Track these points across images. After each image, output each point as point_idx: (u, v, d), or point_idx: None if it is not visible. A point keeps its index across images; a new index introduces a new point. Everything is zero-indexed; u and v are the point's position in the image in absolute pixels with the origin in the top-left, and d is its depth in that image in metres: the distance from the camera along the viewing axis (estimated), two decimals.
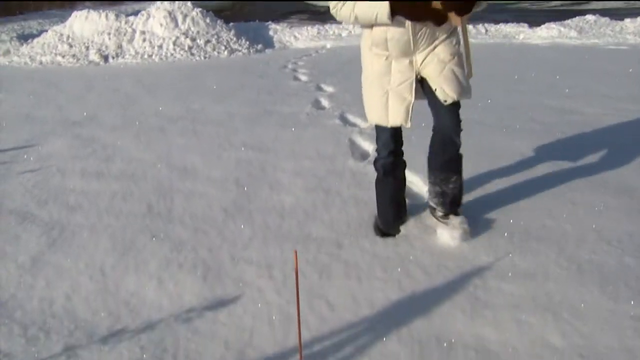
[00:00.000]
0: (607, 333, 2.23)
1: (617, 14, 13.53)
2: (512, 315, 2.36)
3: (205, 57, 11.13)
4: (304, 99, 6.37)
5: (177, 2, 12.05)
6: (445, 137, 2.84)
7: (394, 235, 3.04)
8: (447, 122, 2.80)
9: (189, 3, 12.09)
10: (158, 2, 12.05)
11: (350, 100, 6.08)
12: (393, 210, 3.09)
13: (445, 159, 2.90)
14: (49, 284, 2.73)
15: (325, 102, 6.18)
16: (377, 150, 3.01)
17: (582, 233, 2.99)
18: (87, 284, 2.72)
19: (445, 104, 2.73)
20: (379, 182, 3.10)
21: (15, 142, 5.08)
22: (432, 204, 3.09)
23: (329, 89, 6.75)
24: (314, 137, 4.89)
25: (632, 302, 2.41)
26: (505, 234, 2.97)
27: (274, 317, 2.42)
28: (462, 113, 2.81)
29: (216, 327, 2.37)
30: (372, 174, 3.76)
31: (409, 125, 2.77)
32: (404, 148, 3.01)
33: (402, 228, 3.08)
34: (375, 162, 3.06)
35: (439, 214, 3.06)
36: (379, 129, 2.92)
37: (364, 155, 4.38)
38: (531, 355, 2.12)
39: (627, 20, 12.70)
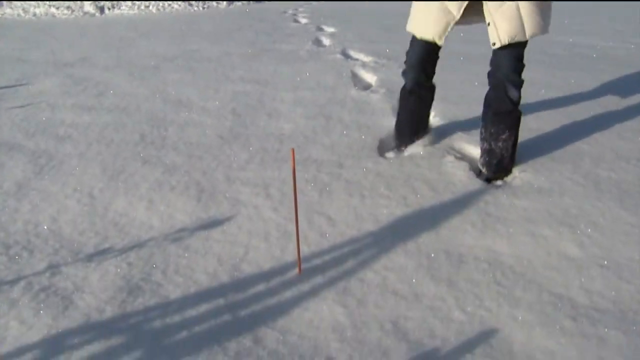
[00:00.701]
0: (628, 245, 2.07)
1: None
2: (526, 228, 2.20)
3: (203, 8, 10.82)
4: (304, 38, 6.12)
5: None
6: (499, 84, 2.50)
7: (404, 148, 2.93)
8: (501, 67, 2.46)
9: None
10: None
11: (352, 38, 5.84)
12: (409, 126, 2.95)
13: (498, 110, 2.53)
14: (35, 208, 2.57)
15: (326, 41, 5.94)
16: (405, 62, 2.77)
17: (600, 152, 2.81)
18: (74, 206, 2.57)
19: (493, 47, 2.40)
20: (402, 94, 2.87)
21: (4, 81, 4.88)
22: (479, 164, 2.71)
23: (330, 29, 6.49)
24: (315, 70, 4.67)
25: None
26: (517, 154, 2.78)
27: (271, 234, 2.26)
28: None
29: (209, 244, 2.22)
30: (374, 102, 3.59)
31: (441, 42, 2.49)
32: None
33: (413, 146, 2.93)
34: (403, 73, 2.82)
35: (483, 177, 2.65)
36: (411, 42, 2.68)
37: (366, 86, 4.18)
38: (547, 267, 1.97)
39: None
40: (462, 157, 2.78)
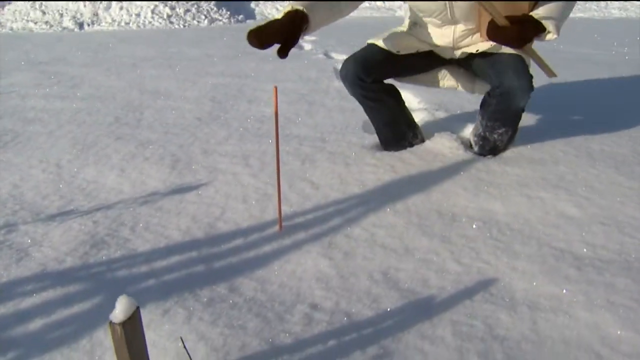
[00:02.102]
0: (627, 206, 1.96)
1: None
2: (520, 191, 2.08)
3: (184, 26, 10.75)
4: None
5: None
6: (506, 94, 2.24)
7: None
8: (507, 74, 2.20)
9: None
10: None
11: (333, 43, 5.79)
12: (391, 131, 2.54)
13: (500, 108, 2.29)
14: None
15: (308, 46, 5.87)
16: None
17: (590, 130, 2.72)
18: (38, 174, 2.39)
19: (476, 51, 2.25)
20: (359, 98, 2.47)
21: None
22: (471, 141, 2.52)
23: (312, 37, 6.43)
24: (297, 67, 4.58)
25: None
26: None
27: (250, 196, 2.11)
28: None
29: (183, 205, 2.06)
30: None
31: (397, 51, 2.31)
32: None
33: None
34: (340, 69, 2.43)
35: (474, 151, 2.49)
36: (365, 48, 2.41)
37: None
38: (546, 225, 1.84)
39: None
40: (452, 133, 2.65)
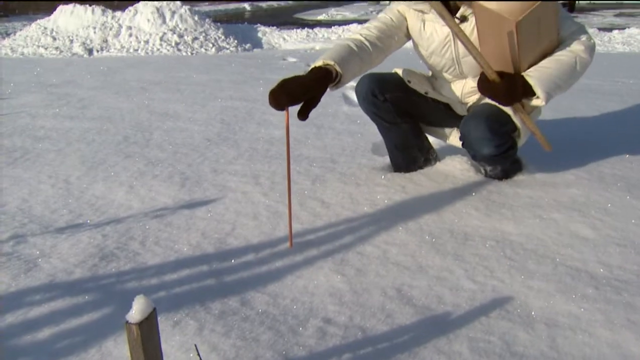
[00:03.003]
0: None
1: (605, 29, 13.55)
2: (533, 212, 2.07)
3: (192, 53, 10.87)
4: (293, 71, 6.06)
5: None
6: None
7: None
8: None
9: (177, 1, 11.88)
10: None
11: None
12: (402, 154, 2.51)
13: (470, 153, 2.28)
14: (3, 191, 2.38)
15: None
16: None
17: (601, 154, 2.71)
18: (47, 189, 2.39)
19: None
20: (374, 118, 2.48)
21: None
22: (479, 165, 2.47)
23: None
24: None
25: None
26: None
27: (260, 213, 2.10)
28: None
29: (193, 221, 2.04)
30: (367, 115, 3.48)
31: (408, 80, 2.33)
32: None
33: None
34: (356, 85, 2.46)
35: (484, 174, 2.43)
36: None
37: (358, 105, 4.08)
38: (560, 245, 1.82)
39: (615, 32, 12.75)
40: (462, 155, 2.64)
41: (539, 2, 1.85)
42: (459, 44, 2.12)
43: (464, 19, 2.09)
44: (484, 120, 2.10)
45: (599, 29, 12.21)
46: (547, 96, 1.91)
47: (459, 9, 2.10)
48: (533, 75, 1.92)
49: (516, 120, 2.13)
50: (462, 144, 2.25)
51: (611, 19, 19.03)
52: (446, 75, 2.31)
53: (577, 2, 24.92)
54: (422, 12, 2.17)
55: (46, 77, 5.84)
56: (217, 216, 2.08)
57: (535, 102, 1.95)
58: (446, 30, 2.13)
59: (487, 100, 2.17)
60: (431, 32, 2.16)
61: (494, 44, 1.96)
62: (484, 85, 1.95)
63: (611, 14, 21.86)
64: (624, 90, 4.68)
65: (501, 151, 2.16)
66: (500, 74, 1.93)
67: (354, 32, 2.24)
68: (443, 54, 2.20)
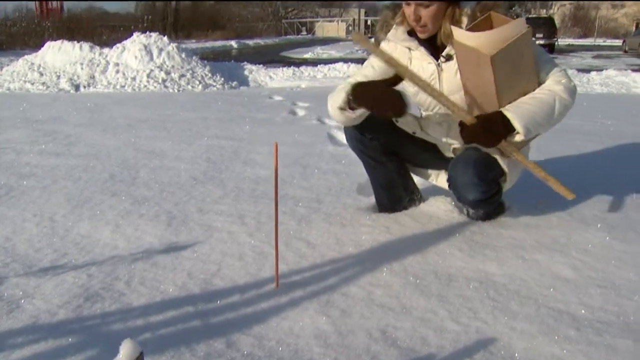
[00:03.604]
0: (622, 269, 1.98)
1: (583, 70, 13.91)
2: (516, 253, 2.10)
3: (178, 90, 10.95)
4: (279, 109, 6.18)
5: (153, 36, 11.97)
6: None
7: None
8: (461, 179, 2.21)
9: (164, 38, 12.02)
10: (134, 36, 11.96)
11: (327, 110, 5.90)
12: (387, 193, 2.55)
13: (457, 197, 2.34)
14: None
15: (301, 112, 5.99)
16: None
17: (580, 197, 2.76)
18: (31, 228, 2.38)
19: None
20: (361, 156, 2.52)
21: None
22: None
23: (305, 104, 6.58)
24: (291, 131, 4.66)
25: None
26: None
27: (246, 254, 2.11)
28: None
29: (179, 261, 2.05)
30: (352, 155, 3.51)
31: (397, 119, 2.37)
32: None
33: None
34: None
35: (467, 214, 2.48)
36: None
37: (343, 145, 4.14)
38: (542, 286, 1.85)
39: (593, 73, 13.07)
40: (446, 196, 2.68)
41: (514, 38, 1.89)
42: (444, 83, 2.18)
43: (449, 57, 2.14)
44: (472, 165, 2.13)
45: (578, 70, 12.55)
46: (526, 130, 1.92)
47: (445, 47, 2.16)
48: (511, 110, 1.94)
49: (504, 165, 2.16)
50: (449, 186, 2.29)
51: (589, 60, 19.57)
52: (433, 115, 2.36)
53: (556, 43, 25.62)
54: (410, 49, 2.22)
55: (32, 113, 5.85)
56: (203, 256, 2.08)
57: (516, 137, 1.96)
58: (432, 68, 2.19)
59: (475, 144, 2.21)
60: (417, 69, 2.22)
61: (474, 81, 2.02)
62: (464, 131, 1.98)
63: (589, 55, 22.49)
64: (602, 131, 4.80)
65: (487, 197, 2.21)
66: (477, 117, 1.96)
67: (352, 77, 2.28)
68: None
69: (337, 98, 2.10)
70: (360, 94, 2.01)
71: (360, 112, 2.11)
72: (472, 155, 2.17)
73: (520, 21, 1.93)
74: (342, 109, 2.10)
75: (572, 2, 51.22)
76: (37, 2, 32.01)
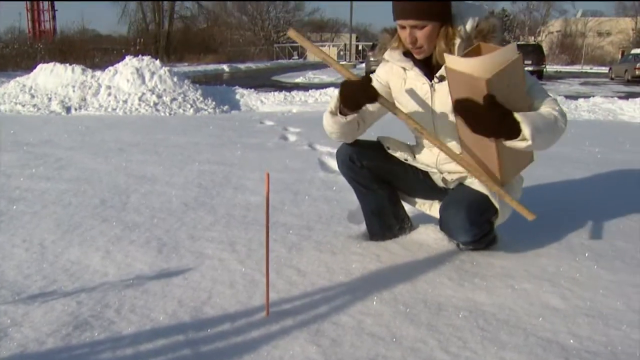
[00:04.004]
0: (610, 298, 2.00)
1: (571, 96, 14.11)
2: (505, 282, 2.12)
3: (170, 114, 10.97)
4: (271, 134, 6.21)
5: (145, 59, 12.03)
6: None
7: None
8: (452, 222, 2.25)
9: (157, 61, 12.08)
10: (126, 59, 12.01)
11: (318, 135, 5.93)
12: (378, 220, 2.56)
13: (447, 236, 2.44)
14: None
15: (292, 138, 6.02)
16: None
17: (568, 225, 2.80)
18: (21, 254, 2.37)
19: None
20: (352, 183, 2.55)
21: None
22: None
23: (296, 129, 6.62)
24: (282, 157, 4.68)
25: (631, 274, 2.21)
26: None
27: (237, 282, 2.11)
28: None
29: (169, 289, 2.04)
30: (342, 182, 3.53)
31: (388, 147, 2.42)
32: None
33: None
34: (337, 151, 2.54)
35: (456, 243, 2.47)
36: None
37: (334, 171, 4.16)
38: (531, 315, 1.87)
39: (581, 100, 13.26)
40: (436, 224, 2.70)
41: (507, 63, 1.87)
42: (436, 103, 2.19)
43: (442, 78, 2.16)
44: (464, 209, 2.14)
45: (566, 96, 12.70)
46: (533, 139, 1.83)
47: (440, 67, 2.17)
48: (520, 115, 1.85)
49: (496, 202, 2.17)
50: (440, 227, 2.34)
51: (577, 87, 19.85)
52: (424, 140, 2.37)
53: (545, 70, 26.00)
54: (405, 69, 2.26)
55: (23, 136, 5.85)
56: (194, 284, 2.08)
57: (520, 143, 1.86)
58: (426, 88, 2.21)
59: (469, 180, 2.23)
60: (411, 88, 2.25)
61: None
62: (466, 102, 1.87)
63: (577, 82, 22.83)
64: (590, 158, 4.86)
65: (478, 238, 2.24)
66: (491, 100, 1.82)
67: None
68: (421, 113, 2.25)
69: (330, 104, 2.19)
70: (342, 87, 2.08)
71: (350, 118, 2.16)
72: (464, 197, 2.17)
73: (511, 47, 1.93)
74: (332, 113, 2.17)
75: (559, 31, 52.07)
76: (29, 23, 32.18)
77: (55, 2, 38.00)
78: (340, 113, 2.16)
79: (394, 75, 2.29)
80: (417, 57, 2.19)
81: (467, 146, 2.15)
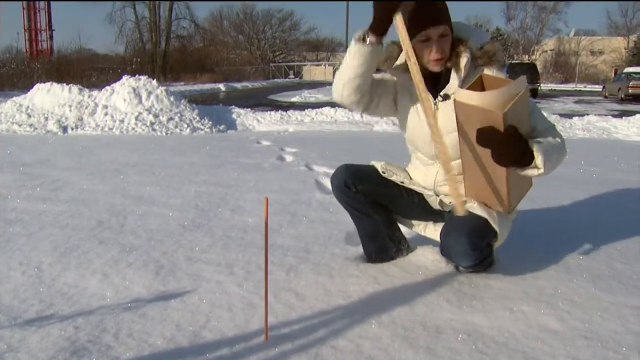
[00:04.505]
0: (608, 320, 2.00)
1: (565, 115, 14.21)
2: (503, 305, 2.12)
3: (167, 133, 10.99)
4: (267, 155, 6.23)
5: (142, 79, 12.08)
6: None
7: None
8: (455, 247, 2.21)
9: (154, 81, 12.13)
10: (123, 79, 12.06)
11: (314, 156, 5.96)
12: (373, 243, 2.57)
13: (449, 261, 2.46)
14: None
15: (289, 158, 6.04)
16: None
17: (566, 245, 2.81)
18: (17, 277, 2.36)
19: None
20: (347, 207, 2.56)
21: None
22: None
23: (293, 149, 6.64)
24: (279, 178, 4.69)
25: (628, 296, 2.21)
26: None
27: (235, 305, 2.10)
28: None
29: (167, 312, 2.04)
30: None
31: (383, 172, 2.45)
32: None
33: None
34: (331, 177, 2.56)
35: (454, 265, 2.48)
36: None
37: (331, 192, 4.17)
38: (530, 339, 1.86)
39: (575, 118, 13.36)
40: (434, 246, 2.71)
41: (518, 95, 1.87)
42: (440, 120, 2.15)
43: (446, 97, 2.17)
44: (465, 235, 2.13)
45: (561, 115, 12.82)
46: (545, 167, 1.90)
47: (446, 83, 2.18)
48: (535, 145, 1.91)
49: (495, 225, 2.16)
50: (441, 252, 2.35)
51: (571, 105, 20.00)
52: (422, 156, 2.39)
53: (539, 88, 26.20)
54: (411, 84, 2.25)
55: (19, 156, 5.85)
56: (192, 307, 2.08)
57: (532, 171, 1.92)
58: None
59: (468, 205, 2.19)
60: (416, 104, 2.25)
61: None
62: (488, 131, 1.89)
63: (571, 100, 23.02)
64: (587, 178, 4.88)
65: (479, 262, 2.24)
66: (510, 127, 1.86)
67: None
68: (422, 129, 2.25)
69: (354, 36, 2.08)
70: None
71: (374, 47, 2.06)
72: (465, 222, 2.14)
73: (521, 79, 1.94)
74: (358, 39, 2.05)
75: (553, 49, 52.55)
76: (27, 43, 32.31)
77: (53, 23, 38.21)
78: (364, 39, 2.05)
79: (401, 85, 2.31)
80: (435, 69, 2.16)
81: (471, 170, 2.15)
